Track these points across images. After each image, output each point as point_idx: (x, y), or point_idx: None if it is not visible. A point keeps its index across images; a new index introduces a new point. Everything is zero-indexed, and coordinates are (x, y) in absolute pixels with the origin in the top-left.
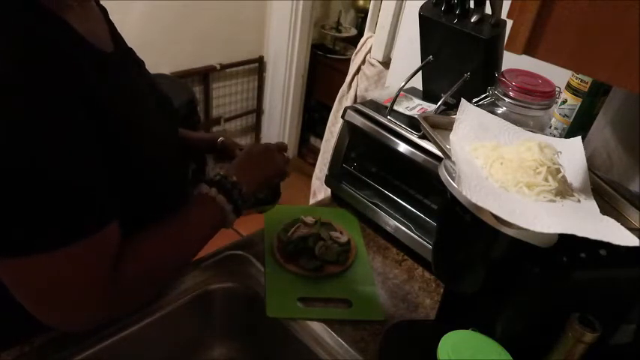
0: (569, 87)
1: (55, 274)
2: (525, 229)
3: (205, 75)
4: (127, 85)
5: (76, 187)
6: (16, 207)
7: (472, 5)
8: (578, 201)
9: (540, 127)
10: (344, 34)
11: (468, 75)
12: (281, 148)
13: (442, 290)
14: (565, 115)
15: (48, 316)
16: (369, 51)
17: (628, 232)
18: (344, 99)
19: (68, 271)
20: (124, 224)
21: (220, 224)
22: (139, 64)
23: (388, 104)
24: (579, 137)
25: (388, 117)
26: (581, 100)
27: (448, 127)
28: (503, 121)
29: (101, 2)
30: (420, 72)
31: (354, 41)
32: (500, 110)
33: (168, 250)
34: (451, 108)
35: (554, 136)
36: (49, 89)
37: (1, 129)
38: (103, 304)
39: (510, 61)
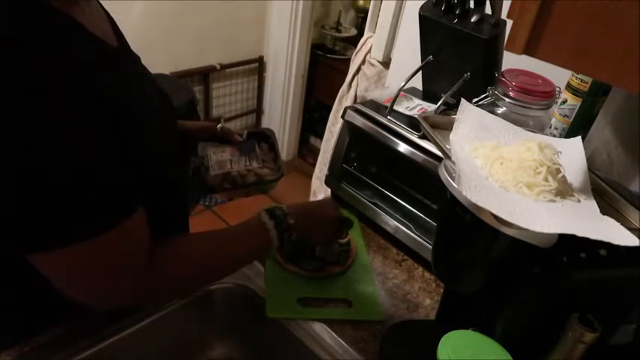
0: (569, 87)
1: (95, 261)
2: (525, 229)
3: (205, 75)
4: (133, 81)
5: (104, 179)
6: (48, 203)
7: (472, 5)
8: (578, 201)
9: (540, 127)
10: (344, 34)
11: (468, 75)
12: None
13: (442, 290)
14: (565, 115)
15: (86, 297)
16: (369, 51)
17: (628, 232)
18: (344, 99)
19: (107, 256)
20: None
21: (263, 253)
22: (136, 60)
23: (388, 104)
24: (579, 137)
25: (388, 117)
26: (581, 100)
27: (448, 127)
28: (504, 121)
29: (102, 2)
30: (420, 72)
31: (354, 41)
32: (500, 110)
33: (211, 260)
34: (451, 108)
35: (554, 136)
36: (68, 86)
37: (27, 129)
38: (137, 287)
39: (510, 61)
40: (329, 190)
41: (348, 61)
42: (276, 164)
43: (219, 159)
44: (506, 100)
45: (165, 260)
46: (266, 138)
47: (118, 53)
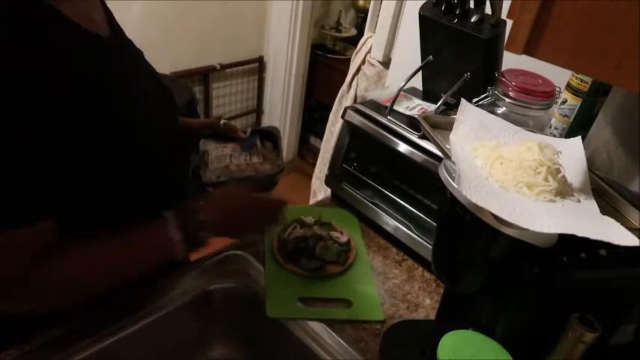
0: (569, 87)
1: None
2: (525, 229)
3: (205, 75)
4: (121, 71)
5: (10, 183)
6: None
7: (472, 5)
8: (578, 201)
9: (540, 127)
10: (344, 34)
11: (468, 75)
12: (278, 203)
13: (442, 290)
14: (565, 115)
15: None
16: (369, 51)
17: (628, 232)
18: (344, 99)
19: None
20: (116, 221)
21: (168, 257)
22: (139, 53)
23: (388, 104)
24: (579, 137)
25: (388, 117)
26: (581, 100)
27: (448, 127)
28: (503, 121)
29: None
30: (420, 72)
31: (354, 41)
32: (500, 110)
33: (95, 267)
34: (451, 108)
35: (554, 136)
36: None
37: None
38: (13, 295)
39: (510, 61)
40: (329, 190)
41: (348, 61)
42: (277, 160)
43: (220, 154)
44: (506, 100)
45: (45, 270)
46: (270, 136)
47: (104, 42)
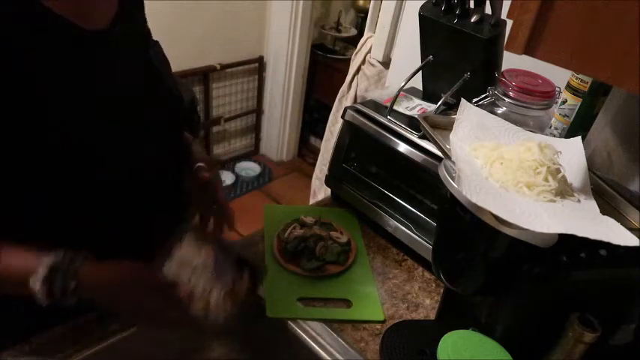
0: (569, 87)
1: None
2: (525, 229)
3: (205, 75)
4: (101, 70)
5: None
6: None
7: (472, 5)
8: (578, 201)
9: (540, 127)
10: (344, 34)
11: (468, 75)
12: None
13: (442, 290)
14: (565, 115)
15: None
16: (369, 51)
17: (628, 232)
18: (344, 99)
19: None
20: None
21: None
22: (141, 51)
23: (388, 104)
24: (579, 137)
25: (388, 117)
26: (581, 100)
27: (448, 127)
28: (503, 121)
29: None
30: (420, 72)
31: (354, 41)
32: (500, 110)
33: None
34: (451, 108)
35: (554, 136)
36: None
37: None
38: None
39: (510, 61)
40: (329, 190)
41: (348, 61)
42: (239, 305)
43: (187, 255)
44: (506, 100)
45: None
46: (253, 270)
47: (89, 39)
